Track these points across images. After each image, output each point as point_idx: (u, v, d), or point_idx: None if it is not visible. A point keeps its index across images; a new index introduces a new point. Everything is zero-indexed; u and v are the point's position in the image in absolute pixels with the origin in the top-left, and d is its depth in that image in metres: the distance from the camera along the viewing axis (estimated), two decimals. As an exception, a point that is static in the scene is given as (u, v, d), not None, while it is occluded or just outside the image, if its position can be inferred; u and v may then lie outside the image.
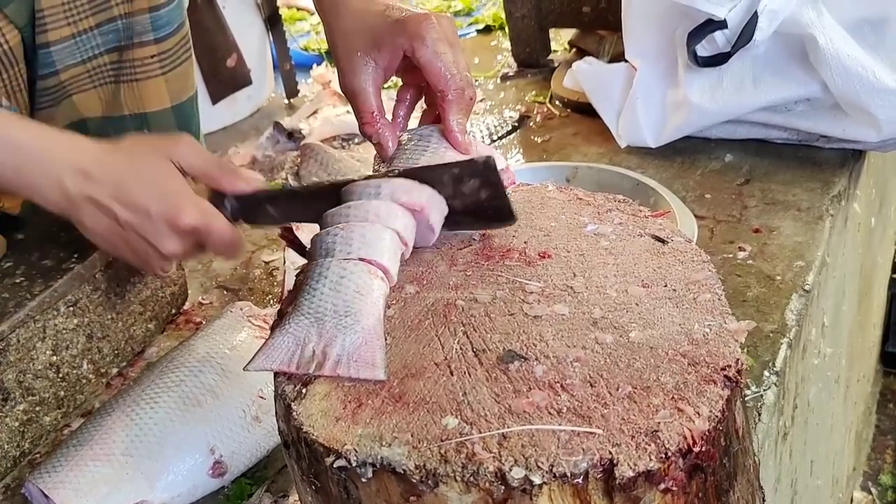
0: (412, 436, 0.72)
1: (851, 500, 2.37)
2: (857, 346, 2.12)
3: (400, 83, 1.13)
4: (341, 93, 2.34)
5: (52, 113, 1.26)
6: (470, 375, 0.77)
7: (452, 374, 0.77)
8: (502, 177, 0.92)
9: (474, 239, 0.97)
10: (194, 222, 0.99)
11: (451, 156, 0.99)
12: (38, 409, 1.27)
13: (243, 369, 0.83)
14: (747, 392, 1.21)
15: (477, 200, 0.92)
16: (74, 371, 1.33)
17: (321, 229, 0.93)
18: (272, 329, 0.86)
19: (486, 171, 0.90)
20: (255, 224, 1.06)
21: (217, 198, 1.04)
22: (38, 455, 1.27)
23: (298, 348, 0.81)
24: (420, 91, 1.10)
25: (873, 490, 2.45)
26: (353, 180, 0.95)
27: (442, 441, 0.71)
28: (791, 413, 1.38)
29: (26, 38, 1.18)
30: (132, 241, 1.02)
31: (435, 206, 0.93)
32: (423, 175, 0.93)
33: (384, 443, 0.71)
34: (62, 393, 1.31)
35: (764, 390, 1.23)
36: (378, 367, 0.78)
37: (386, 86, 1.11)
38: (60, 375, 1.30)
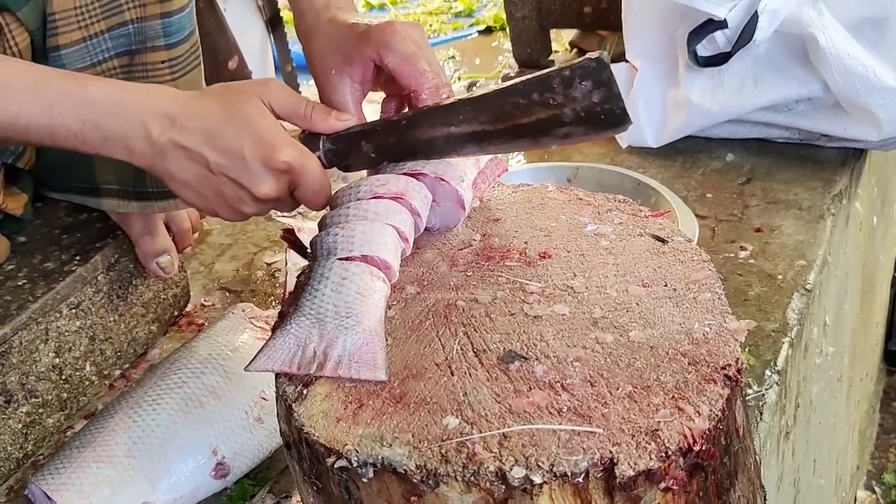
0: (413, 436, 0.72)
1: (855, 500, 2.36)
2: (859, 344, 2.12)
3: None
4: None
5: None
6: (470, 376, 0.77)
7: (453, 375, 0.78)
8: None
9: (475, 240, 0.97)
10: (290, 159, 0.96)
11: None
12: (41, 411, 1.27)
13: (244, 369, 0.83)
14: (749, 391, 1.22)
15: (589, 105, 0.88)
16: (77, 373, 1.33)
17: (320, 230, 0.93)
18: (273, 329, 0.87)
19: (598, 69, 0.86)
20: (349, 168, 1.02)
21: (310, 140, 1.02)
22: (41, 457, 1.27)
23: (300, 349, 0.81)
24: (403, 100, 1.09)
25: (877, 489, 2.45)
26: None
27: (443, 441, 0.71)
28: (793, 412, 1.38)
29: (36, 42, 1.18)
30: (223, 188, 0.99)
31: (414, 191, 0.93)
32: (529, 84, 0.90)
33: (385, 443, 0.71)
34: (65, 395, 1.31)
35: (766, 389, 1.23)
36: (379, 368, 0.79)
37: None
38: (63, 377, 1.31)
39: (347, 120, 1.02)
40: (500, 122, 0.93)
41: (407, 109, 1.04)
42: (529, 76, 0.91)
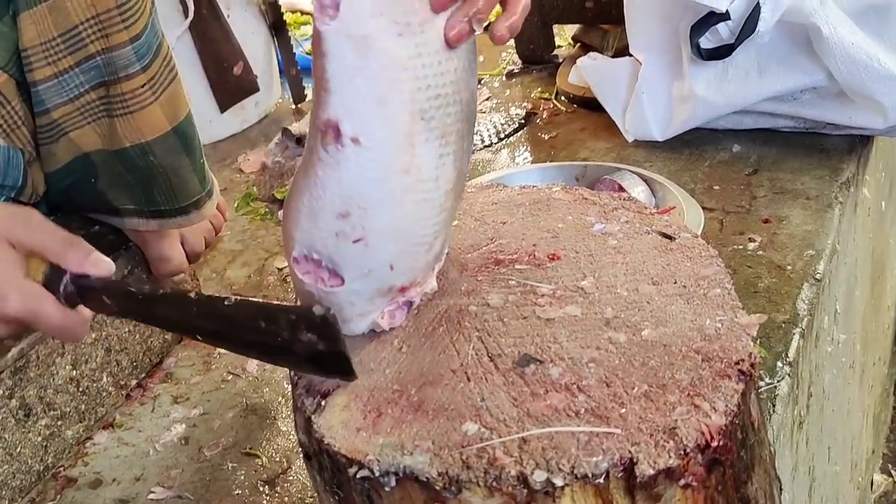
0: (433, 443, 0.73)
1: (871, 484, 2.36)
2: (871, 329, 2.12)
3: None
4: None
5: (52, 149, 1.25)
6: (487, 381, 0.78)
7: (469, 380, 0.78)
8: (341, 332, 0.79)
9: (483, 243, 0.98)
10: (15, 312, 0.90)
11: None
12: (59, 423, 1.29)
13: None
14: (761, 384, 1.22)
15: (314, 351, 0.79)
16: (94, 384, 1.34)
17: None
18: None
19: (322, 325, 0.77)
20: (93, 310, 0.96)
21: (54, 275, 0.93)
22: (61, 468, 1.28)
23: None
24: None
25: (893, 472, 2.45)
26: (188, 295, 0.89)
27: (463, 447, 0.72)
28: (806, 402, 1.38)
29: (16, 77, 1.18)
30: None
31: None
32: (259, 311, 0.82)
33: (406, 451, 0.72)
34: (83, 406, 1.32)
35: (777, 381, 1.23)
36: None
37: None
38: (81, 389, 1.32)
39: (101, 267, 0.95)
40: (230, 331, 0.86)
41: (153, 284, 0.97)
42: (262, 304, 0.85)
